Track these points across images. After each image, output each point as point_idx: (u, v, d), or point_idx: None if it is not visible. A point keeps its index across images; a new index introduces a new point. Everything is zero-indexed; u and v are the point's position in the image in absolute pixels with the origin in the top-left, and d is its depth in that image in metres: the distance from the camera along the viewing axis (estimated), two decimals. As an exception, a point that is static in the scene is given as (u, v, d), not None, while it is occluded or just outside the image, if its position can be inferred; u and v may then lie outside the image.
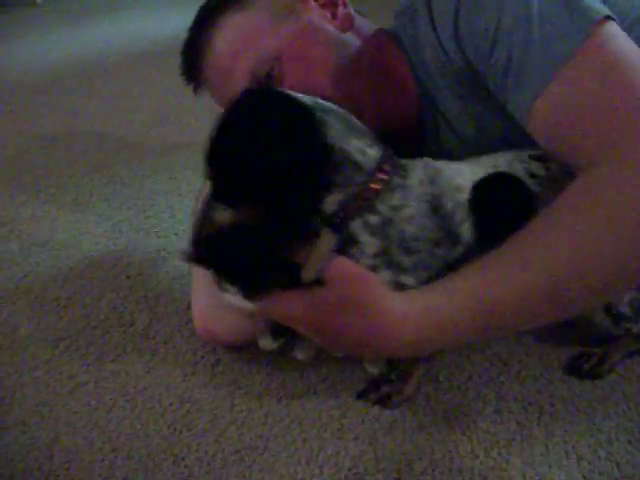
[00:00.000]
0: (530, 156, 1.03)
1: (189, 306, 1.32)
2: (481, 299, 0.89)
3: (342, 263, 0.92)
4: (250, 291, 0.95)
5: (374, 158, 0.94)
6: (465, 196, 0.97)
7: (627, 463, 0.99)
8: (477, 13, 0.99)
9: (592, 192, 0.87)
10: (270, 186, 0.90)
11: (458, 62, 1.06)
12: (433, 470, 1.00)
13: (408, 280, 0.94)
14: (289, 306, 0.92)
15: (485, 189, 0.98)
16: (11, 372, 1.24)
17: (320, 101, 0.96)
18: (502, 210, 0.99)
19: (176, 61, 1.22)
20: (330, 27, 1.19)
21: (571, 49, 0.91)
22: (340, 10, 1.21)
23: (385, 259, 0.94)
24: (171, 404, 1.14)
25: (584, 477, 0.97)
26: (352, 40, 1.20)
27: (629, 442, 1.03)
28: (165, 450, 1.06)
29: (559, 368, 1.16)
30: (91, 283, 1.49)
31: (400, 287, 0.94)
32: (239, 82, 1.13)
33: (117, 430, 1.10)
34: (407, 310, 0.91)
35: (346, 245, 0.94)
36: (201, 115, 2.23)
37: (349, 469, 1.01)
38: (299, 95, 0.95)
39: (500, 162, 1.02)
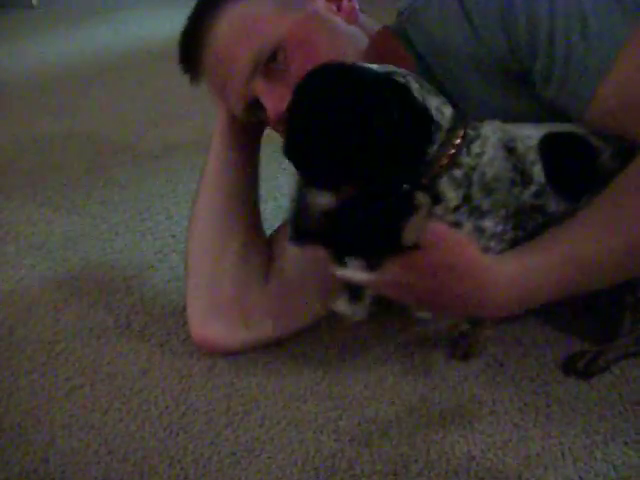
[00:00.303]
0: None
1: (185, 308, 1.31)
2: (573, 258, 0.96)
3: (439, 228, 0.96)
4: (372, 261, 0.98)
5: (449, 116, 0.99)
6: (535, 141, 1.02)
7: (623, 464, 0.99)
8: (528, 9, 1.00)
9: None
10: (376, 162, 0.93)
11: (500, 55, 1.05)
12: (429, 472, 0.99)
13: (487, 223, 0.99)
14: (393, 271, 0.96)
15: (551, 139, 1.04)
16: (7, 375, 1.24)
17: (391, 66, 0.99)
18: (568, 157, 1.06)
19: (173, 64, 1.22)
20: (336, 18, 1.19)
21: (625, 36, 0.95)
22: (345, 3, 1.20)
23: (466, 209, 0.99)
24: (167, 406, 1.14)
25: (580, 478, 0.97)
26: (358, 34, 1.19)
27: (625, 443, 1.02)
28: (161, 452, 1.06)
29: (555, 369, 1.16)
30: (87, 286, 1.49)
31: (480, 232, 0.99)
32: (241, 69, 1.12)
33: (113, 433, 1.10)
34: (503, 272, 0.97)
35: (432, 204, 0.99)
36: (198, 117, 2.24)
37: (345, 471, 1.01)
38: (370, 65, 0.98)
39: (562, 126, 1.07)
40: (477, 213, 0.99)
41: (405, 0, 1.21)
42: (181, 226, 1.66)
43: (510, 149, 1.01)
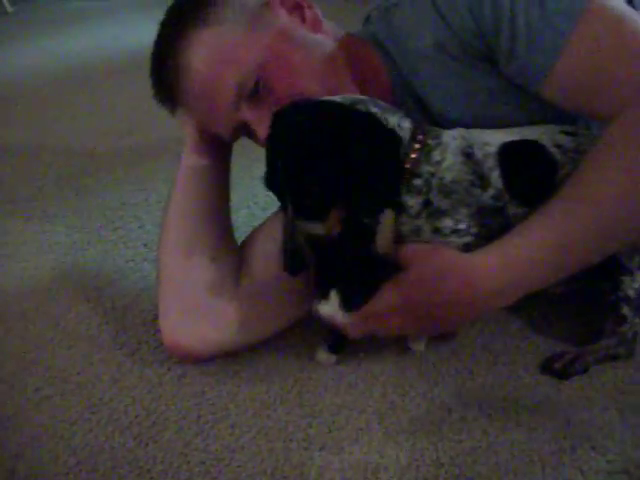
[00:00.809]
0: (561, 131, 1.13)
1: (157, 317, 1.31)
2: (553, 235, 1.00)
3: (411, 246, 1.05)
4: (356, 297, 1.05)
5: (408, 129, 1.05)
6: (494, 149, 1.08)
7: (590, 469, 1.00)
8: None
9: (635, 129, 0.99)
10: (358, 187, 0.99)
11: (468, 37, 1.10)
12: (399, 479, 1.00)
13: (446, 222, 1.04)
14: (383, 300, 1.03)
15: (511, 148, 1.09)
16: (-24, 385, 1.23)
17: (348, 95, 1.06)
18: (526, 166, 1.11)
19: (146, 71, 1.22)
20: (302, 30, 1.20)
21: (577, 12, 1.01)
22: (307, 13, 1.23)
23: (427, 212, 1.05)
24: (137, 416, 1.14)
25: (548, 483, 0.98)
26: (325, 40, 1.22)
27: (593, 448, 1.03)
28: (130, 462, 1.05)
29: (524, 376, 1.16)
30: (59, 295, 1.48)
31: (438, 232, 1.05)
32: (226, 99, 1.14)
33: (82, 443, 1.09)
34: (486, 261, 1.02)
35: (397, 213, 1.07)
36: (170, 125, 2.23)
37: (315, 479, 1.00)
38: (333, 98, 1.05)
39: (527, 132, 1.13)
40: (437, 215, 1.04)
41: (376, 2, 1.24)
42: (153, 234, 1.65)
43: (468, 154, 1.06)
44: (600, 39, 1.01)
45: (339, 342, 1.20)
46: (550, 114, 1.14)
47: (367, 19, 1.29)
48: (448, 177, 1.04)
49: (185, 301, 1.22)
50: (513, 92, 1.12)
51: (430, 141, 1.06)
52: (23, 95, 2.85)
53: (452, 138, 1.08)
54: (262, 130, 1.13)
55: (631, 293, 1.12)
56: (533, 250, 1.01)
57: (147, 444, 1.08)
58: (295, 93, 1.13)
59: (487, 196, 1.05)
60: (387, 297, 1.02)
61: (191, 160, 1.29)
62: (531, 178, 1.10)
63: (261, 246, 1.27)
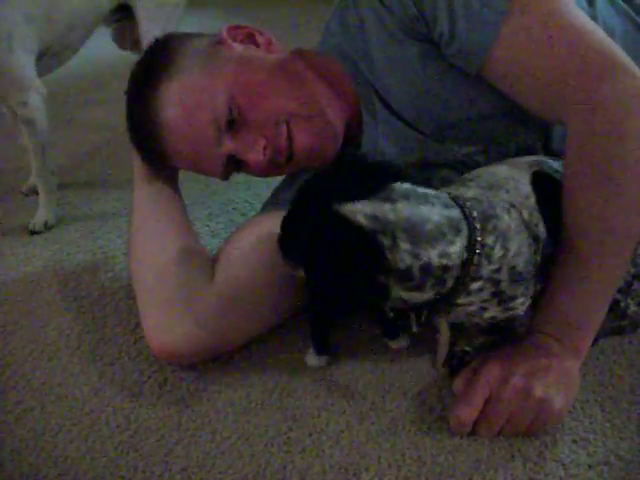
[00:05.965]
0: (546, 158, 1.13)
1: (137, 326, 1.31)
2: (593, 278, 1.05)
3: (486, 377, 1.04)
4: None
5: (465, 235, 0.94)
6: (533, 200, 1.03)
7: (572, 462, 1.00)
8: None
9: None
10: None
11: (409, 22, 1.13)
12: (380, 479, 1.00)
13: (519, 301, 1.02)
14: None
15: (537, 189, 1.05)
16: (-45, 401, 1.22)
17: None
18: (553, 205, 1.05)
19: (122, 81, 1.23)
20: (259, 53, 1.25)
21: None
22: (259, 38, 1.28)
23: (497, 300, 1.00)
24: (118, 426, 1.13)
25: (530, 479, 0.98)
26: (283, 57, 1.26)
27: (574, 442, 1.04)
28: (112, 472, 1.04)
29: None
30: (38, 307, 1.47)
31: (508, 310, 1.02)
32: (206, 138, 1.17)
33: (63, 455, 1.08)
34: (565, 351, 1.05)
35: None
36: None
37: (296, 482, 1.01)
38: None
39: (532, 160, 1.12)
40: (507, 300, 1.01)
41: (334, 22, 1.31)
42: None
43: (527, 225, 1.01)
44: (530, 34, 1.04)
45: (325, 342, 1.21)
46: (499, 104, 1.16)
47: (326, 29, 1.32)
48: (521, 263, 0.98)
49: (162, 302, 1.21)
50: (460, 77, 1.14)
51: (488, 238, 0.95)
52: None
53: (508, 218, 0.98)
54: (249, 155, 1.19)
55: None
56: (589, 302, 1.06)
57: (128, 453, 1.08)
58: (269, 111, 1.17)
59: (539, 252, 1.03)
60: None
61: (144, 186, 1.33)
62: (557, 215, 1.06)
63: (239, 248, 1.27)
